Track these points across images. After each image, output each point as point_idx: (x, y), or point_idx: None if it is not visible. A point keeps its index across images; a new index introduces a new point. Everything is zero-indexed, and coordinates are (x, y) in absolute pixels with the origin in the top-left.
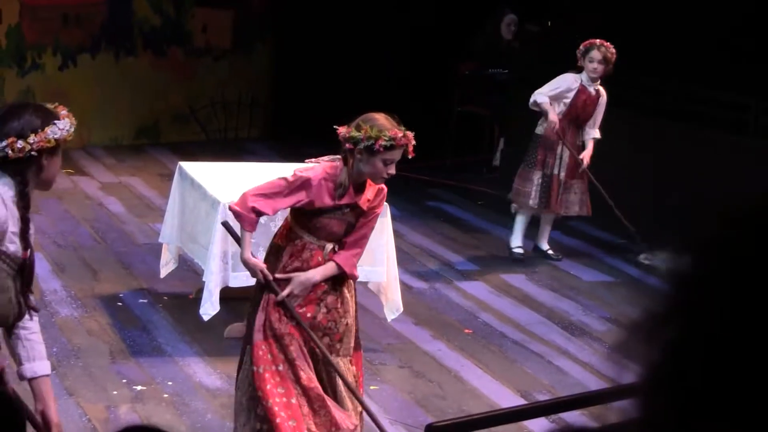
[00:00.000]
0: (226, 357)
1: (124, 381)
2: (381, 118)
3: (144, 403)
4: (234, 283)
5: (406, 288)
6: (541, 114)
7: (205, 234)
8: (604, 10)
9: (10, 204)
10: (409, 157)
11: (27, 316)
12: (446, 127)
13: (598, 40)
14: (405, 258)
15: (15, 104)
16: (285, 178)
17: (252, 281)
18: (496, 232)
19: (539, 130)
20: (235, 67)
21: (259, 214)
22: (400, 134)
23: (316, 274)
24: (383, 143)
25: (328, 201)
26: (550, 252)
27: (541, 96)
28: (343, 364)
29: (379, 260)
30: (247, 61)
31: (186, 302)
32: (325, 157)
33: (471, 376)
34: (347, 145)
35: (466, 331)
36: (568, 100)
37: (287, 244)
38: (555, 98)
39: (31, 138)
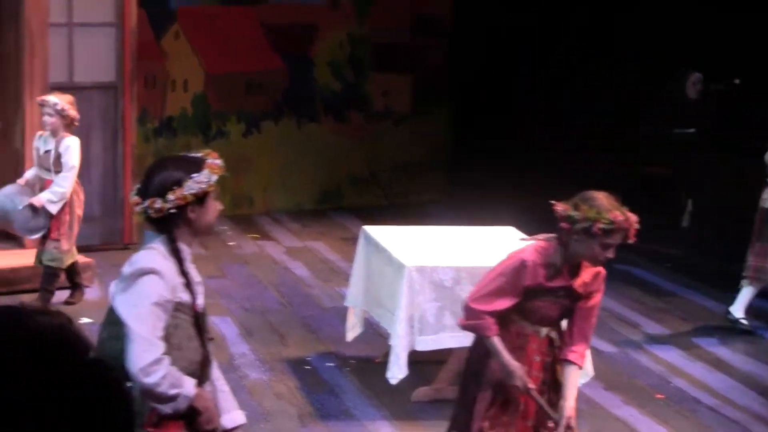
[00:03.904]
0: (413, 421)
1: None
2: (601, 198)
3: None
4: (421, 346)
5: (596, 353)
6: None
7: (391, 298)
8: None
9: (170, 258)
10: (630, 241)
11: (215, 366)
12: (631, 188)
13: None
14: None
15: (160, 159)
16: (499, 273)
17: (440, 345)
18: (686, 295)
19: None
20: (415, 131)
21: (493, 315)
22: (621, 218)
23: (573, 390)
24: (602, 226)
25: (541, 282)
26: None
27: None
28: None
29: None
30: (427, 124)
31: (373, 366)
32: (540, 236)
33: None
34: (563, 224)
35: (658, 396)
36: None
37: (499, 331)
38: None
39: (169, 196)
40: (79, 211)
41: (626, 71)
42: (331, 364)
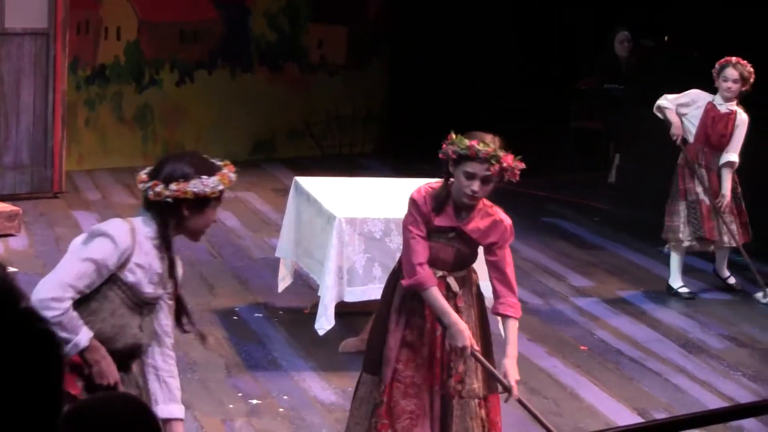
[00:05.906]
0: (341, 372)
1: (240, 395)
2: (475, 134)
3: (260, 417)
4: (349, 297)
5: (520, 304)
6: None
7: (321, 249)
8: (720, 24)
9: (141, 239)
10: (514, 180)
11: (168, 357)
12: (562, 142)
13: (734, 58)
14: (520, 274)
15: (184, 153)
16: (405, 224)
17: (368, 296)
18: (611, 248)
19: (680, 159)
20: (350, 83)
21: (423, 264)
22: (478, 145)
23: (514, 346)
24: (456, 149)
25: (429, 218)
26: (732, 281)
27: (665, 100)
28: (469, 406)
29: None
30: (362, 76)
31: (301, 317)
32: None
33: (587, 393)
34: (440, 155)
35: (582, 347)
36: (695, 120)
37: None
38: (680, 110)
39: (172, 186)
40: None
41: (562, 28)
42: (260, 315)
